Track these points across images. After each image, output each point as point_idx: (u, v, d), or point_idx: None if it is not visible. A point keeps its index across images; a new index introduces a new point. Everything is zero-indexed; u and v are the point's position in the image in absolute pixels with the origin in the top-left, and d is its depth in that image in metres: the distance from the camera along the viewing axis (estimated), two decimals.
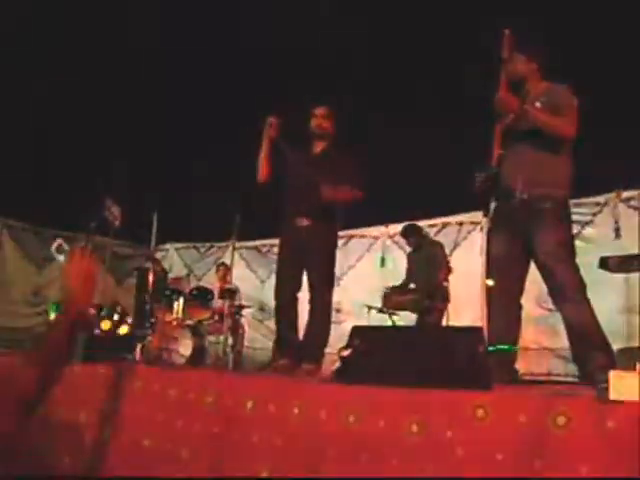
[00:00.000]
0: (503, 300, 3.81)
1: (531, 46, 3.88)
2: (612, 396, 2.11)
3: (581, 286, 3.55)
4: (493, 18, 4.33)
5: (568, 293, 3.54)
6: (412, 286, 7.07)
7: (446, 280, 6.92)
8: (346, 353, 2.90)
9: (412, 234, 7.35)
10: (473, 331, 2.81)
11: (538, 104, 3.72)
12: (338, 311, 8.26)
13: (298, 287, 4.65)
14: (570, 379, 5.90)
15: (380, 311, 7.17)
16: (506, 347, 3.53)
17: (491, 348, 3.23)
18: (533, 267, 3.77)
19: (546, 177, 3.66)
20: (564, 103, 3.68)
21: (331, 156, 4.67)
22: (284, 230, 4.79)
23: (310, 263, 4.56)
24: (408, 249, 7.53)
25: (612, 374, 2.16)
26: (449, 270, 7.00)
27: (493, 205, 3.83)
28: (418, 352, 2.75)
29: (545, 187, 3.65)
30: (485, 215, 3.81)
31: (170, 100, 8.71)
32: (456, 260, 7.67)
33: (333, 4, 7.59)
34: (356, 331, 3.00)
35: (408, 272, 7.33)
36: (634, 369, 2.26)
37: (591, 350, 3.45)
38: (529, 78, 3.87)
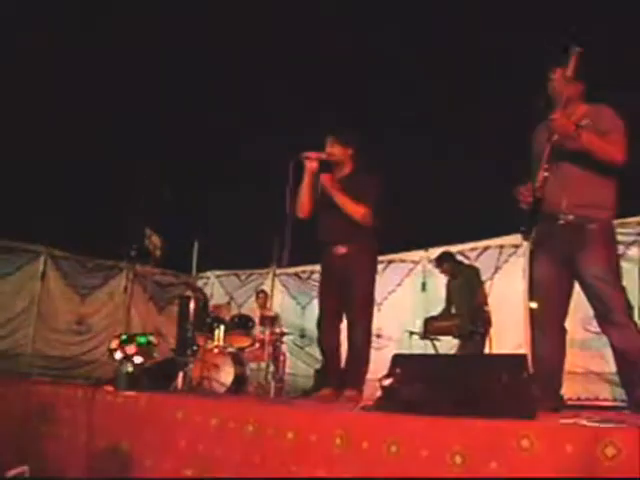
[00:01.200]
0: (547, 324, 3.73)
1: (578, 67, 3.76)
2: None
3: (628, 308, 3.48)
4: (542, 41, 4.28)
5: (614, 316, 3.45)
6: (453, 311, 7.00)
7: (486, 304, 6.84)
8: (387, 382, 2.86)
9: (445, 261, 7.31)
10: (517, 358, 2.75)
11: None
12: (379, 337, 8.23)
13: (340, 317, 4.65)
14: (619, 404, 5.76)
15: (422, 337, 7.11)
16: None
17: None
18: (577, 289, 3.69)
19: (591, 198, 3.59)
20: (610, 125, 3.58)
21: (354, 178, 4.70)
22: (323, 260, 4.80)
23: (350, 290, 4.54)
24: None
25: None
26: (486, 293, 6.93)
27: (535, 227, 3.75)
28: (460, 380, 2.70)
29: (590, 208, 3.57)
30: (526, 239, 3.73)
31: (210, 128, 8.84)
32: (497, 283, 7.59)
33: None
34: (397, 359, 2.96)
35: (447, 300, 7.27)
36: None
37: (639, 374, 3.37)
38: (574, 99, 3.74)
